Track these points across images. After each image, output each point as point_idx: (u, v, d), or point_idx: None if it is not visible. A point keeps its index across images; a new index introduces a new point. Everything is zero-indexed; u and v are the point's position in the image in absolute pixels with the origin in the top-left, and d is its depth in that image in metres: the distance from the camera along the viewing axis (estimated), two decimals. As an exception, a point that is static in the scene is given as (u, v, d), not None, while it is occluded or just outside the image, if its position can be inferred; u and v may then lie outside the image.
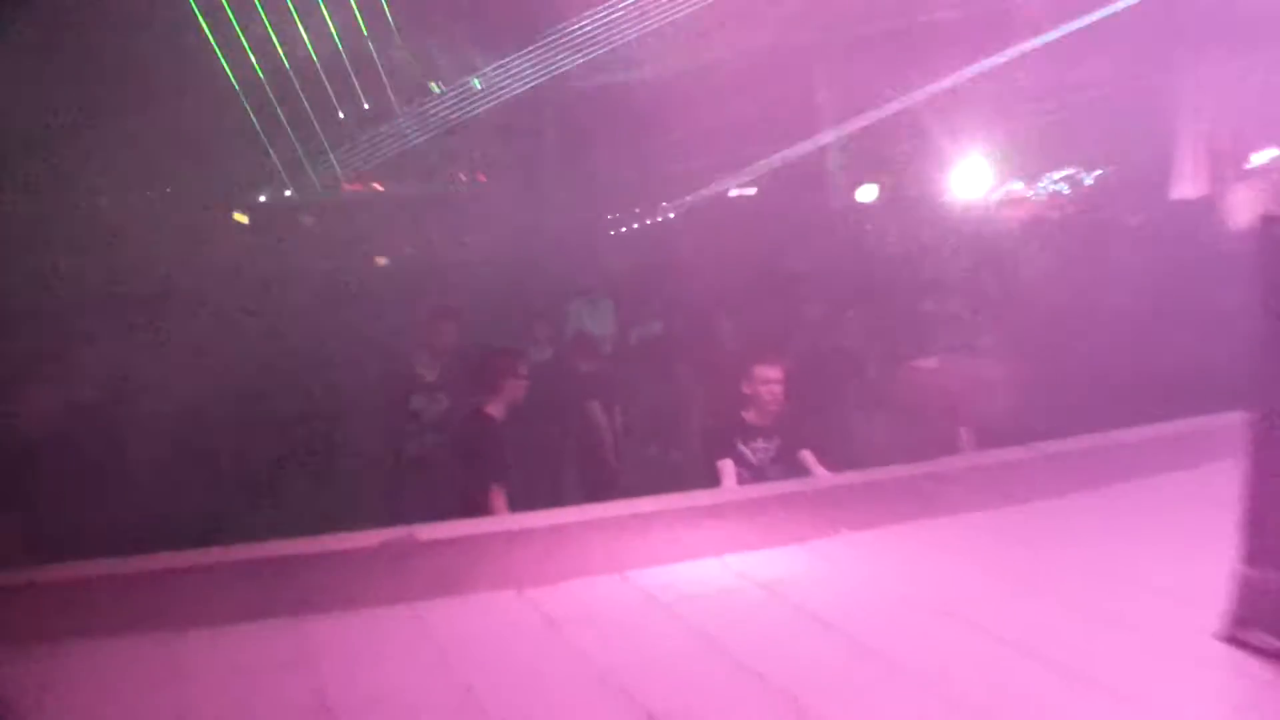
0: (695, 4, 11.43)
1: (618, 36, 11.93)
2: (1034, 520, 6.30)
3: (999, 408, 8.75)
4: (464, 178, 15.12)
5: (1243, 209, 11.74)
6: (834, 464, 6.98)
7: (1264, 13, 9.50)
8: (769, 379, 7.07)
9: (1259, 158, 12.10)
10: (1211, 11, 9.86)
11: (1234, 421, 4.36)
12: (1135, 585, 5.00)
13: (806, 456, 6.95)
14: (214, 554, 5.14)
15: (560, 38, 12.22)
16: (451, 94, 13.51)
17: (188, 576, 4.99)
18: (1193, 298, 7.65)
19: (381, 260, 13.29)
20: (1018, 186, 12.14)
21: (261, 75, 11.86)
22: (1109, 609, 4.73)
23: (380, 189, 14.84)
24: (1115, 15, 9.88)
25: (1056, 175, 12.56)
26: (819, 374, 8.67)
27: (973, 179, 12.07)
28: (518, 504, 6.33)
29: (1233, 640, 4.20)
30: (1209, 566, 4.38)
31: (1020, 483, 6.67)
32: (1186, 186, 10.55)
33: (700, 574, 5.53)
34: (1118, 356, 8.27)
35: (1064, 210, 12.08)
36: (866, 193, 12.66)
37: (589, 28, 12.10)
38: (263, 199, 13.88)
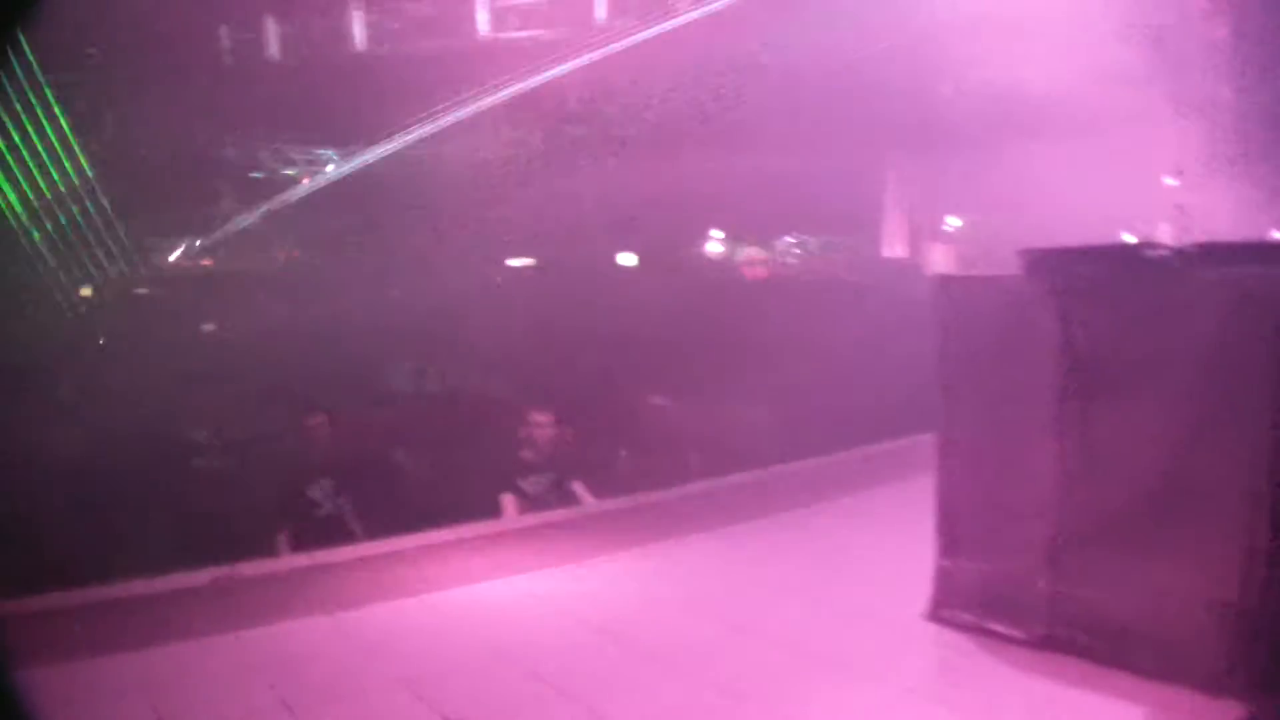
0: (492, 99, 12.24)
1: (416, 129, 12.57)
2: (771, 532, 7.13)
3: (736, 437, 9.74)
4: (281, 256, 15.20)
5: (939, 266, 13.27)
6: (601, 491, 7.80)
7: (951, 121, 10.82)
8: (541, 422, 7.89)
9: (952, 222, 13.65)
10: (910, 120, 11.20)
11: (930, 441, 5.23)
12: (858, 579, 5.84)
13: (577, 487, 7.75)
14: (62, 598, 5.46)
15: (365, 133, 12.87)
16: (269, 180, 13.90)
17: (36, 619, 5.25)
18: (897, 339, 8.58)
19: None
20: (756, 249, 13.26)
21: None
22: (838, 600, 5.54)
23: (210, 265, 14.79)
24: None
25: (789, 239, 13.61)
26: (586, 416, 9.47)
27: (719, 243, 13.13)
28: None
29: (935, 618, 5.08)
30: (918, 560, 5.19)
31: (755, 500, 7.54)
32: (895, 248, 11.75)
33: (490, 594, 6.10)
34: (839, 390, 9.34)
35: (794, 268, 13.30)
36: (627, 259, 13.45)
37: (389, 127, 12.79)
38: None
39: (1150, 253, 4.54)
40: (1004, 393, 4.78)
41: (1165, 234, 4.91)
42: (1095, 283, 4.49)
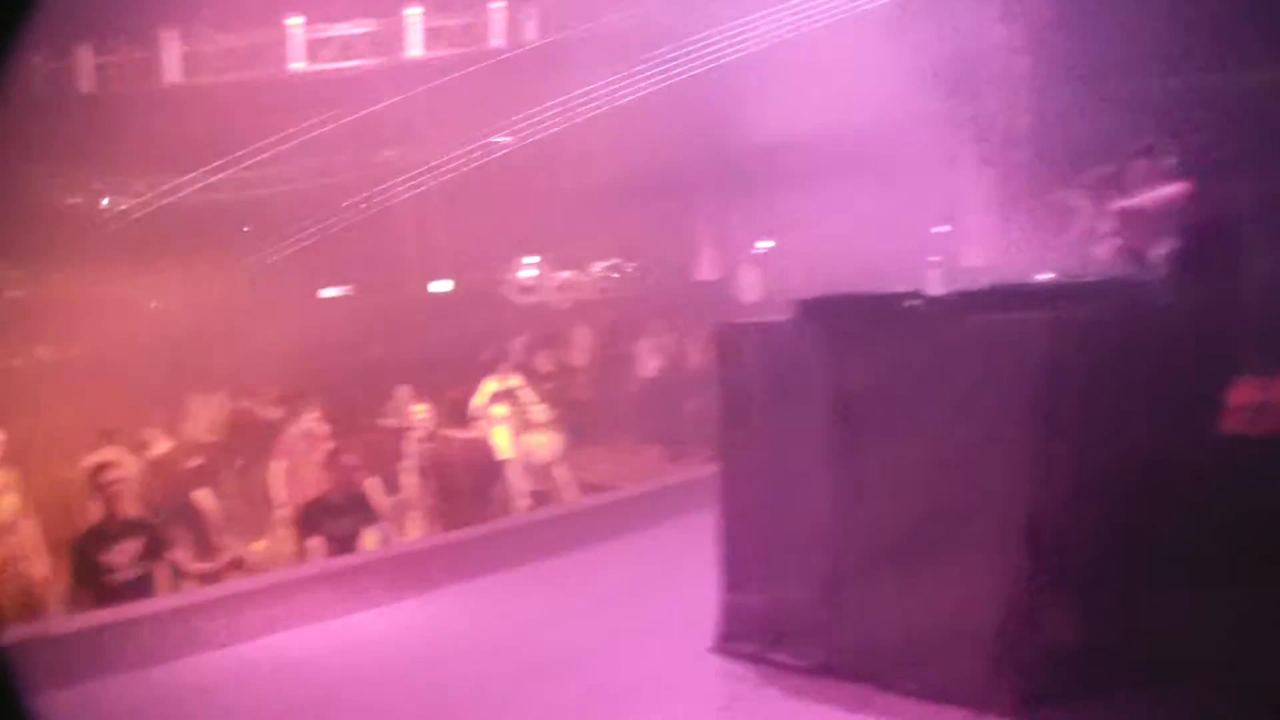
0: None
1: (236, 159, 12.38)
2: (567, 568, 7.24)
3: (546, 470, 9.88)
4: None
5: (750, 287, 13.65)
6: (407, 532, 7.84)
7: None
8: (348, 465, 7.84)
9: (762, 245, 14.04)
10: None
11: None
12: (649, 613, 5.95)
13: (386, 527, 7.76)
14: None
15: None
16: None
17: None
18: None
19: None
20: (569, 274, 13.44)
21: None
22: (628, 635, 5.66)
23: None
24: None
25: (602, 264, 13.82)
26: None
27: (534, 268, 13.26)
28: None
29: (721, 650, 5.19)
30: (708, 592, 5.30)
31: (554, 535, 7.70)
32: (708, 270, 12.05)
33: (296, 640, 6.05)
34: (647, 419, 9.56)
35: (609, 293, 13.50)
36: (441, 285, 13.47)
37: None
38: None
39: (913, 301, 4.78)
40: (780, 431, 4.94)
41: (937, 278, 5.17)
42: (862, 329, 4.70)
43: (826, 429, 4.74)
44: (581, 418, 11.24)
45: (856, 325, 4.75)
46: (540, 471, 10.26)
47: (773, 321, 5.17)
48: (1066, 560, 4.37)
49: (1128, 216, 5.53)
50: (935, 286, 5.06)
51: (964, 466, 4.40)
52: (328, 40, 12.93)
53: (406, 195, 12.10)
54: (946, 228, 5.38)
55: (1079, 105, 11.46)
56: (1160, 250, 5.70)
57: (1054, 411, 4.29)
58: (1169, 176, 5.75)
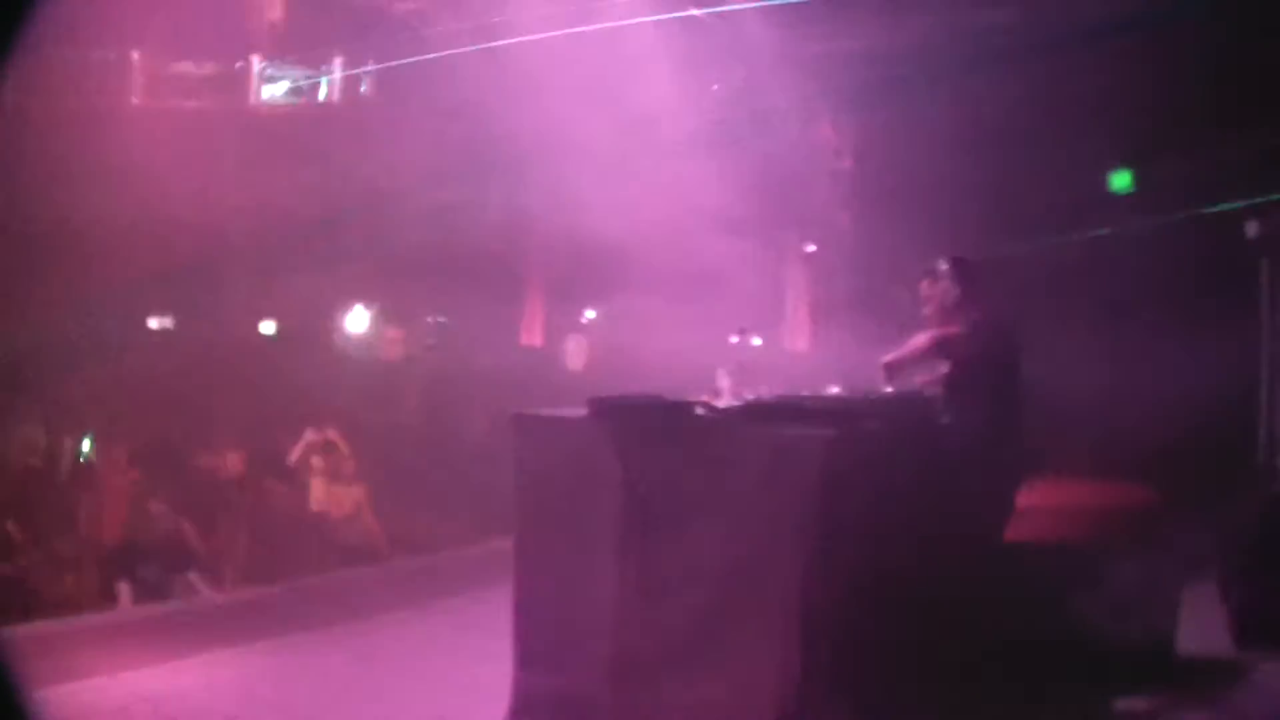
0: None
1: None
2: (373, 631, 7.29)
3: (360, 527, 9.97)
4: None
5: (575, 356, 13.99)
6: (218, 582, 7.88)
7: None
8: (159, 509, 7.89)
9: (589, 314, 14.45)
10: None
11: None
12: (449, 685, 6.12)
13: (193, 578, 7.81)
14: None
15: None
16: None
17: None
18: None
19: None
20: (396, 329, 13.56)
21: None
22: (424, 707, 5.81)
23: None
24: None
25: (429, 321, 13.98)
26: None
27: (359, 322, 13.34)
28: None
29: None
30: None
31: (363, 596, 7.80)
32: (530, 336, 12.32)
33: (92, 692, 5.91)
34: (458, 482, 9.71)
35: (430, 350, 13.70)
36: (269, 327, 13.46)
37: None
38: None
39: (701, 409, 5.18)
40: (573, 522, 5.15)
41: (730, 387, 5.57)
42: (650, 432, 5.01)
43: (617, 523, 4.98)
44: (405, 476, 11.36)
45: (645, 427, 5.03)
46: (357, 527, 10.35)
47: (568, 415, 5.38)
48: (840, 657, 4.70)
49: (901, 361, 6.07)
50: (727, 395, 5.45)
51: (746, 567, 4.70)
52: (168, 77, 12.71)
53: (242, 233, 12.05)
54: (739, 338, 5.76)
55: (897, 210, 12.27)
56: (935, 378, 6.31)
57: (830, 519, 4.67)
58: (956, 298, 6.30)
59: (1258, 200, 10.80)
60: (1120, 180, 12.64)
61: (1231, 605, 7.79)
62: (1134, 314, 12.51)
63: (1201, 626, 7.24)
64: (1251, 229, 10.71)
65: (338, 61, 10.31)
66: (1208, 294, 12.14)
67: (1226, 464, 10.77)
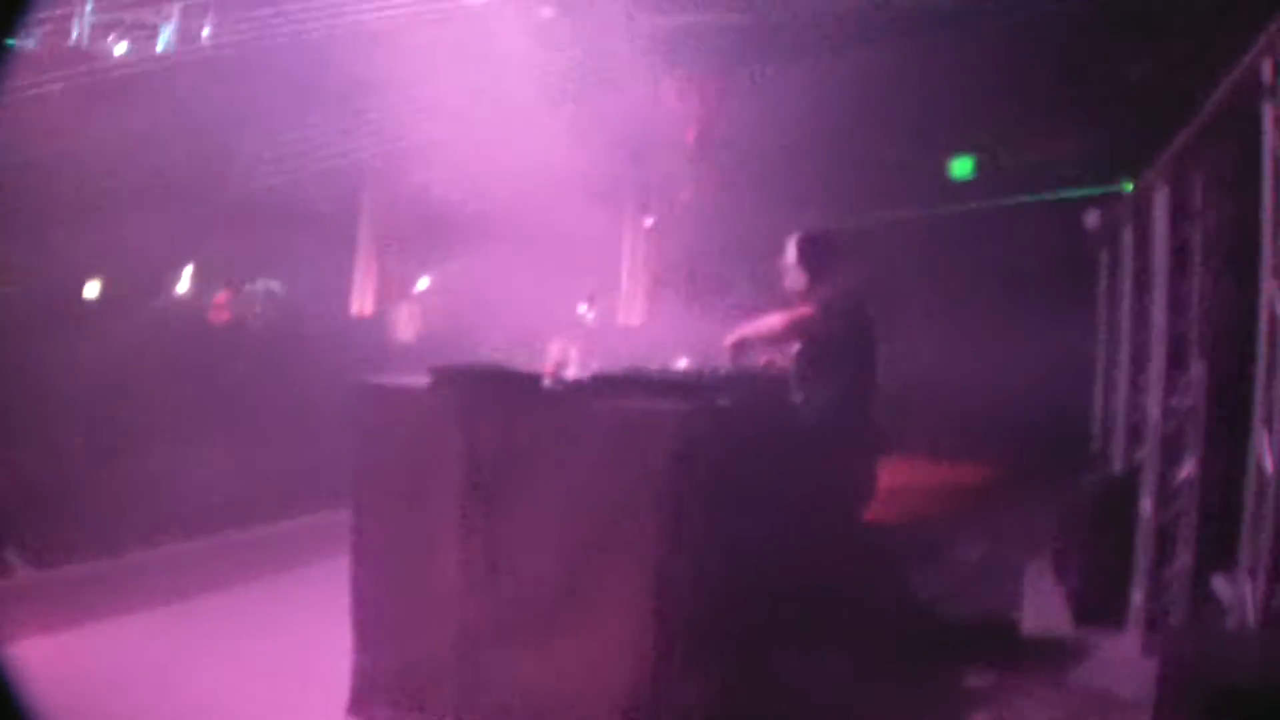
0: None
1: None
2: (203, 613, 6.86)
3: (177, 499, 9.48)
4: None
5: (406, 325, 13.66)
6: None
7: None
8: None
9: (422, 283, 14.12)
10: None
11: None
12: (288, 668, 5.74)
13: (9, 554, 7.30)
14: None
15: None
16: None
17: None
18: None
19: None
20: (222, 291, 13.02)
21: None
22: (262, 695, 5.44)
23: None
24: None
25: (256, 284, 13.48)
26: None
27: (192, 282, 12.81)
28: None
29: (356, 713, 5.07)
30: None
31: (192, 573, 7.45)
32: (364, 303, 11.98)
33: None
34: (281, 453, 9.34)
35: (260, 316, 13.18)
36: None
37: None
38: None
39: (547, 380, 5.00)
40: (413, 496, 4.94)
41: (576, 356, 5.40)
42: (495, 402, 4.80)
43: (459, 496, 4.80)
44: (233, 446, 10.91)
45: (490, 397, 4.84)
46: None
47: (407, 385, 5.16)
48: (693, 634, 4.59)
49: (749, 339, 5.95)
50: (574, 366, 5.28)
51: (596, 541, 4.56)
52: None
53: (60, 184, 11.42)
54: (588, 307, 5.58)
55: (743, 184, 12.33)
56: (788, 354, 6.22)
57: (681, 495, 4.54)
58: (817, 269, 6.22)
59: (1099, 191, 11.18)
60: (962, 166, 13.01)
61: (1068, 583, 8.05)
62: (977, 298, 12.93)
63: (1041, 603, 7.47)
64: (1091, 219, 11.06)
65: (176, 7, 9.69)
66: (1050, 280, 12.63)
67: (1065, 446, 11.20)
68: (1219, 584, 5.82)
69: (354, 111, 10.68)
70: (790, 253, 6.15)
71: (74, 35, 10.62)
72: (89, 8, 10.38)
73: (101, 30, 10.47)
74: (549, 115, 9.43)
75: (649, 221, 13.03)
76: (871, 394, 6.01)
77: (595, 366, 5.23)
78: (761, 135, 11.68)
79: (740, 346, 5.88)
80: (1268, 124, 5.47)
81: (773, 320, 5.86)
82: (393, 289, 12.92)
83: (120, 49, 10.73)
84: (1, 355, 9.89)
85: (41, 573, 7.50)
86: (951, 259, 13.58)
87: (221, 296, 12.92)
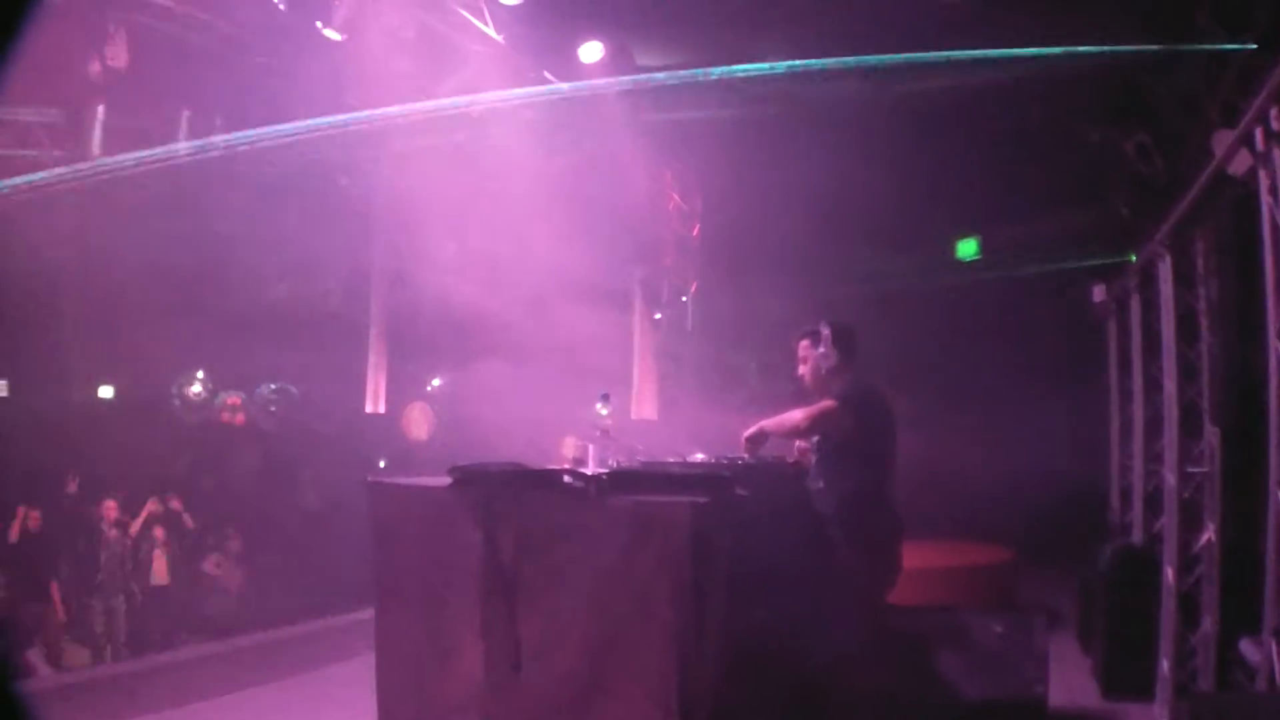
0: None
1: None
2: (220, 710, 7.04)
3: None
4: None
5: (419, 424, 13.80)
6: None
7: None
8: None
9: (435, 382, 14.31)
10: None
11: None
12: None
13: (32, 655, 7.37)
14: None
15: None
16: None
17: None
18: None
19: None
20: (235, 394, 13.18)
21: None
22: None
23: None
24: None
25: (270, 386, 13.65)
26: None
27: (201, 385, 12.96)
28: None
29: None
30: None
31: (212, 673, 7.56)
32: (375, 402, 12.07)
33: None
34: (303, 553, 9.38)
35: (274, 417, 13.34)
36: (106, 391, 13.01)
37: None
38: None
39: (566, 477, 5.05)
40: (434, 595, 4.99)
41: (594, 452, 5.45)
42: (514, 500, 4.86)
43: (480, 594, 4.83)
44: (250, 546, 10.98)
45: (509, 496, 4.89)
46: (209, 596, 9.89)
47: (426, 484, 5.23)
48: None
49: (767, 433, 6.00)
50: (590, 462, 5.33)
51: (617, 636, 4.57)
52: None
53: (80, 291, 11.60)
54: (602, 404, 5.61)
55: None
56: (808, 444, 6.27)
57: (701, 587, 4.55)
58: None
59: (1102, 263, 11.27)
60: (966, 248, 13.14)
61: (1094, 655, 8.00)
62: (987, 372, 12.97)
63: (1068, 677, 7.45)
64: (1097, 293, 11.14)
65: (185, 115, 9.88)
66: (1059, 355, 12.68)
67: (1083, 518, 11.20)
68: (1246, 647, 5.80)
69: (362, 217, 10.86)
70: (817, 339, 6.18)
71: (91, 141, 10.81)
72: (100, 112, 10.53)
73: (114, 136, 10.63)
74: (555, 215, 9.56)
75: (657, 315, 13.17)
76: (891, 480, 6.00)
77: (611, 462, 5.28)
78: (766, 225, 11.88)
79: (758, 439, 5.90)
80: (1263, 189, 5.58)
81: (794, 415, 5.88)
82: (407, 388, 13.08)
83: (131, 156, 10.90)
84: (17, 456, 10.07)
85: (62, 675, 7.52)
86: (959, 333, 13.65)
87: (234, 399, 13.07)
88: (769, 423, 5.93)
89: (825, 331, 6.17)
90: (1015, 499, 11.50)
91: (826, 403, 5.86)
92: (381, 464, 13.53)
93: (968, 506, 11.73)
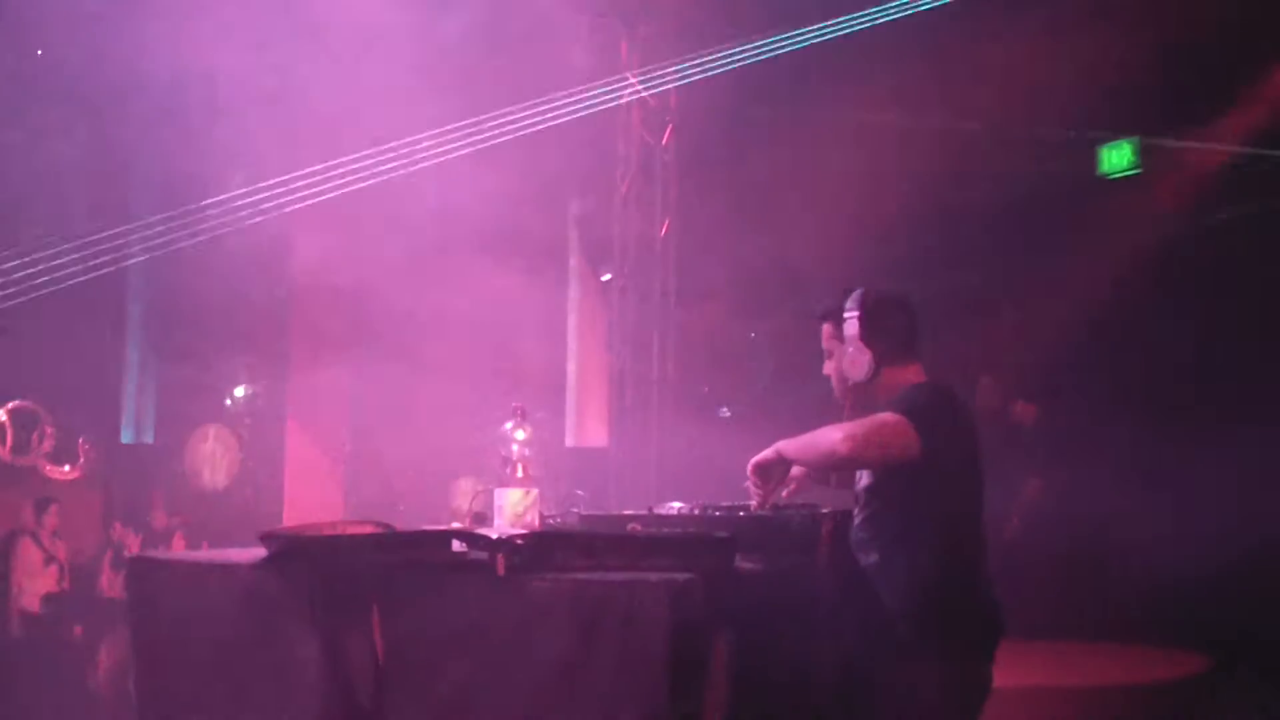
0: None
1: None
2: None
3: None
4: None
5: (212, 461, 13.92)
6: None
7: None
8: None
9: (239, 392, 14.42)
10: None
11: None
12: None
13: None
14: None
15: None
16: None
17: None
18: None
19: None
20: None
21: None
22: None
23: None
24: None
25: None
26: None
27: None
28: None
29: None
30: None
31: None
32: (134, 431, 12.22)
33: None
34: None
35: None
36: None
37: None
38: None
39: (457, 544, 4.92)
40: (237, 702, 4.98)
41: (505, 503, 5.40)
42: (375, 586, 4.75)
43: (315, 711, 4.78)
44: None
45: (367, 579, 4.80)
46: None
47: (226, 562, 5.21)
48: None
49: (785, 459, 5.79)
50: (500, 517, 5.26)
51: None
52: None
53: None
54: (521, 428, 5.53)
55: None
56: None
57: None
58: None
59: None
60: (1116, 157, 13.39)
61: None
62: (1166, 373, 13.07)
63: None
64: None
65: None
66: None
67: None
68: None
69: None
70: (852, 314, 5.96)
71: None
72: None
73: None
74: (438, 116, 9.63)
75: (607, 276, 13.14)
76: (983, 549, 5.87)
77: (532, 520, 5.22)
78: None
79: (771, 471, 5.72)
80: None
81: (830, 434, 5.53)
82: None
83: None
84: None
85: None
86: (1114, 302, 13.84)
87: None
88: (790, 444, 5.69)
89: (853, 311, 5.97)
90: (1216, 576, 11.54)
91: (885, 415, 5.55)
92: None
93: (1134, 588, 11.79)
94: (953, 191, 13.77)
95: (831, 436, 5.51)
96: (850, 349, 5.91)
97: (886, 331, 5.91)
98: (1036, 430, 13.77)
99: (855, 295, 5.94)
